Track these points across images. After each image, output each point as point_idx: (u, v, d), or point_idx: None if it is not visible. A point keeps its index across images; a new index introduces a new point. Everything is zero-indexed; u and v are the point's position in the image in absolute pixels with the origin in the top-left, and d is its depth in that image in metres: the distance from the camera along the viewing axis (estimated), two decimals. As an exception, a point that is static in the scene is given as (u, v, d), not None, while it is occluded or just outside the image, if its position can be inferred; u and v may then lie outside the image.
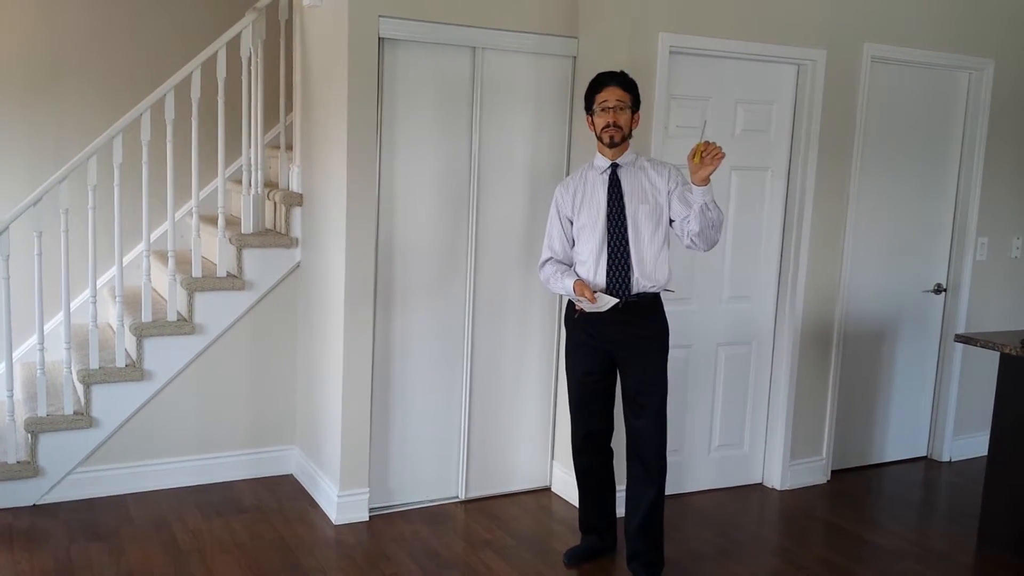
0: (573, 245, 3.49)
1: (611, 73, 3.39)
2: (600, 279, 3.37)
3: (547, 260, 3.53)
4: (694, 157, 3.14)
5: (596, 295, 3.30)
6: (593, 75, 3.49)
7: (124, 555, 3.56)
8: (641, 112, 3.45)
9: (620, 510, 3.69)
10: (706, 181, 3.16)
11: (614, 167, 3.40)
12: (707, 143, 3.13)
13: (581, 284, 3.34)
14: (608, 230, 3.36)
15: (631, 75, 3.42)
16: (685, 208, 3.30)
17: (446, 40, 3.87)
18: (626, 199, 3.36)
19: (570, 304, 3.53)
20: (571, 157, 4.19)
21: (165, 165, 4.17)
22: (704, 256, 4.16)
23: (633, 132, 3.41)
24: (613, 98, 3.32)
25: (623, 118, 3.34)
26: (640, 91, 3.41)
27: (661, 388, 3.40)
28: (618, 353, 3.43)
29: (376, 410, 4.01)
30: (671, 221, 3.38)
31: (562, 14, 4.06)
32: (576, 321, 3.49)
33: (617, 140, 3.35)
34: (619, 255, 3.34)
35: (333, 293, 3.95)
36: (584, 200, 3.43)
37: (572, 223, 3.47)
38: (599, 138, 3.39)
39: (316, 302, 4.19)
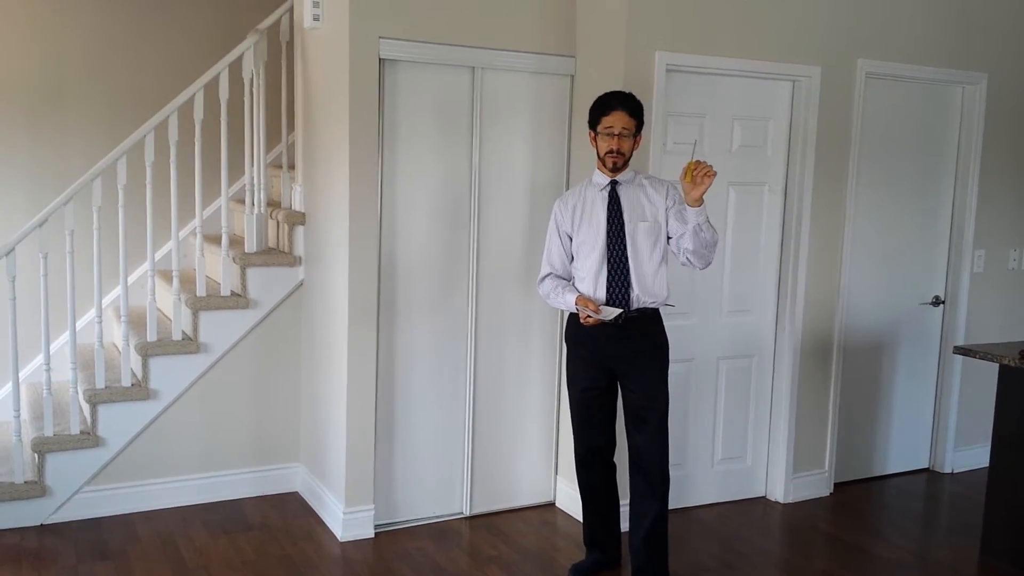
0: (572, 260, 3.53)
1: (620, 96, 3.39)
2: (600, 295, 3.40)
3: (547, 275, 3.57)
4: (685, 176, 3.18)
5: (600, 308, 3.33)
6: (591, 94, 3.52)
7: (131, 574, 3.58)
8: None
9: (624, 524, 3.71)
10: (699, 201, 3.19)
11: (613, 184, 3.43)
12: (697, 162, 3.16)
13: (583, 299, 3.37)
14: (608, 247, 3.39)
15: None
16: (681, 225, 3.33)
17: (446, 60, 3.92)
18: (625, 216, 3.39)
19: (570, 319, 3.55)
20: (570, 174, 4.23)
21: (169, 186, 4.21)
22: (704, 271, 4.19)
23: (634, 153, 3.44)
24: (619, 125, 3.35)
25: (626, 144, 3.37)
26: None
27: (662, 402, 3.43)
28: (619, 368, 3.46)
29: (380, 427, 4.03)
30: (668, 238, 3.42)
31: (560, 34, 4.11)
32: (577, 336, 3.52)
33: (619, 166, 3.40)
34: (619, 272, 3.38)
35: (336, 311, 3.98)
36: (583, 217, 3.46)
37: (571, 239, 3.51)
38: (601, 159, 3.43)
39: (319, 320, 4.22)
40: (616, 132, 3.35)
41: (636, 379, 3.43)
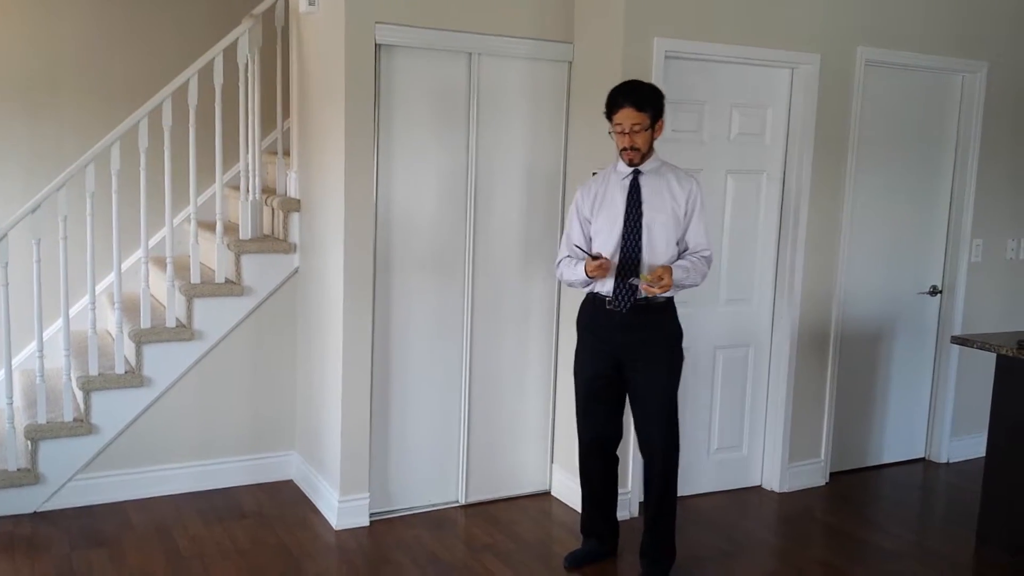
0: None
1: (627, 91, 3.31)
2: (610, 285, 3.37)
3: (564, 258, 3.54)
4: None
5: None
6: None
7: (125, 562, 3.56)
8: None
9: (621, 514, 3.71)
10: (665, 288, 3.26)
11: (636, 173, 3.39)
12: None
13: (594, 264, 3.32)
14: (623, 236, 3.36)
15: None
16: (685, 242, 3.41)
17: (442, 46, 3.88)
18: (645, 206, 3.36)
19: (583, 307, 3.54)
20: (568, 161, 4.20)
21: (163, 172, 4.18)
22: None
23: (656, 140, 3.39)
24: (628, 123, 3.28)
25: (640, 139, 3.30)
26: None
27: (671, 390, 3.42)
28: (627, 356, 3.43)
29: (376, 415, 4.01)
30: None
31: (557, 20, 4.08)
32: (587, 324, 3.51)
33: (636, 161, 3.35)
34: (631, 261, 3.35)
35: (332, 298, 3.96)
36: (604, 204, 3.43)
37: (591, 223, 3.48)
38: (619, 154, 3.39)
39: (315, 307, 4.20)
40: (626, 130, 3.30)
41: (644, 367, 3.41)
